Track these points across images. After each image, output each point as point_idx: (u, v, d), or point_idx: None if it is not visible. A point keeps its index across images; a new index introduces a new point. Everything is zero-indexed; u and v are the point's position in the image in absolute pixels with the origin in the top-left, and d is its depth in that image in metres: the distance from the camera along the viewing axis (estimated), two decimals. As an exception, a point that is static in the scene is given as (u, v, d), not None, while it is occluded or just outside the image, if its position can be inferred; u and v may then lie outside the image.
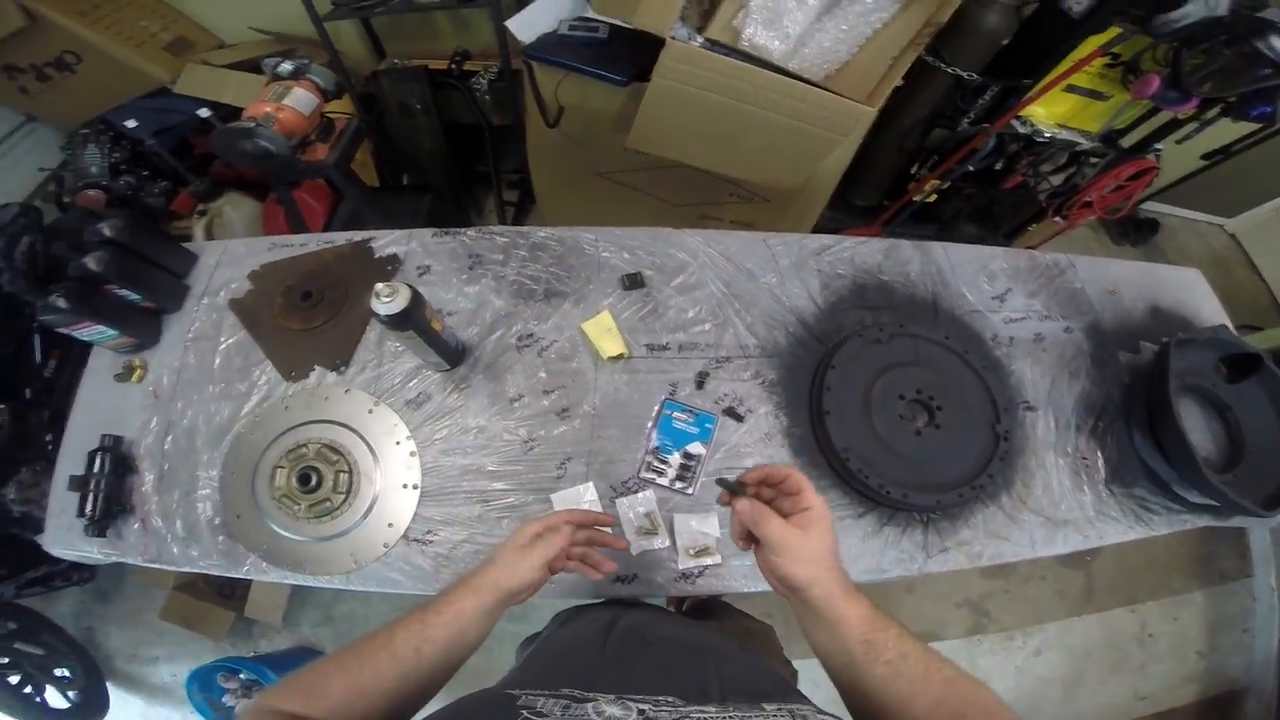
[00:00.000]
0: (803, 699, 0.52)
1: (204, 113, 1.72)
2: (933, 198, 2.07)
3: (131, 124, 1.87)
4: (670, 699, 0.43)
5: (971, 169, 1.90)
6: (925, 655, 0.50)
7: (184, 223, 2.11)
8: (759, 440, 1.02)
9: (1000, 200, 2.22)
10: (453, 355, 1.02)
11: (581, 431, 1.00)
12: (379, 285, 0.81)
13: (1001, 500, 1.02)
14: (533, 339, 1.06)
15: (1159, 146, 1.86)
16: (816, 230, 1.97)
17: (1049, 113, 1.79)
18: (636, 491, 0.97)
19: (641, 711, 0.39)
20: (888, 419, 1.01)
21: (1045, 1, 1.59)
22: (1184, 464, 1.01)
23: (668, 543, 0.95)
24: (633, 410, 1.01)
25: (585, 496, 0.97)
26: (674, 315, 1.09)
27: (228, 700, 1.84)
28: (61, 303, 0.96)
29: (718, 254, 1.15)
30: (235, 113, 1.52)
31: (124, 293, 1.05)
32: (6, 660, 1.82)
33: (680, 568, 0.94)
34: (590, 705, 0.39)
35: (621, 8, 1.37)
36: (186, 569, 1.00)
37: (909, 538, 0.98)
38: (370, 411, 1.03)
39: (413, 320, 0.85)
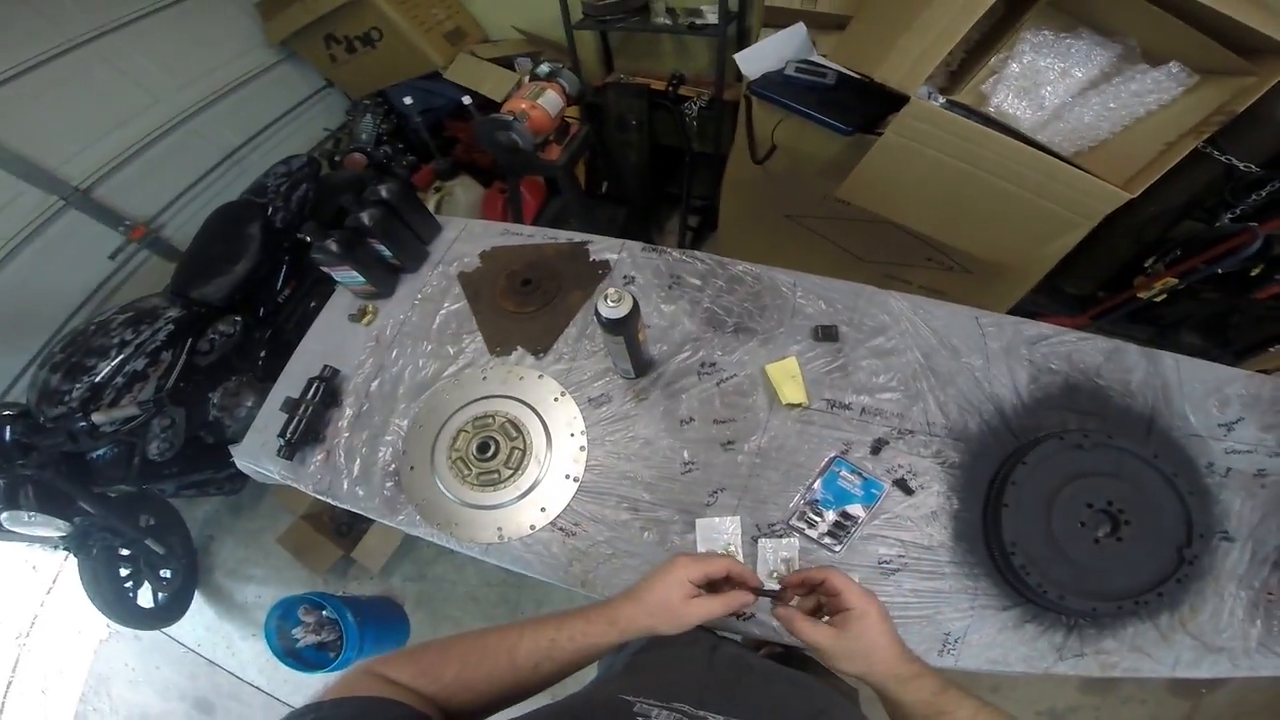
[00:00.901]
0: None
1: (467, 100, 1.95)
2: (1161, 297, 1.81)
3: (409, 100, 2.18)
4: None
5: (1219, 271, 1.64)
6: None
7: (419, 195, 2.43)
8: (923, 517, 0.97)
9: (1243, 311, 1.88)
10: (642, 366, 1.09)
11: (741, 467, 1.02)
12: (610, 289, 0.88)
13: (1160, 619, 0.93)
14: (715, 368, 1.10)
15: None
16: (1013, 312, 1.81)
17: (1336, 218, 1.49)
18: (782, 536, 0.97)
19: None
20: (1067, 523, 0.94)
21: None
22: None
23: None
24: (798, 459, 1.01)
25: (729, 529, 0.98)
26: (863, 377, 1.07)
27: (297, 633, 1.94)
28: (334, 246, 1.14)
29: (922, 323, 1.11)
30: (489, 102, 1.72)
31: (380, 248, 1.21)
32: (129, 552, 2.02)
33: None
34: None
35: (862, 59, 1.36)
36: (348, 506, 1.09)
37: (1047, 638, 0.92)
38: (556, 400, 1.11)
39: (627, 328, 0.92)
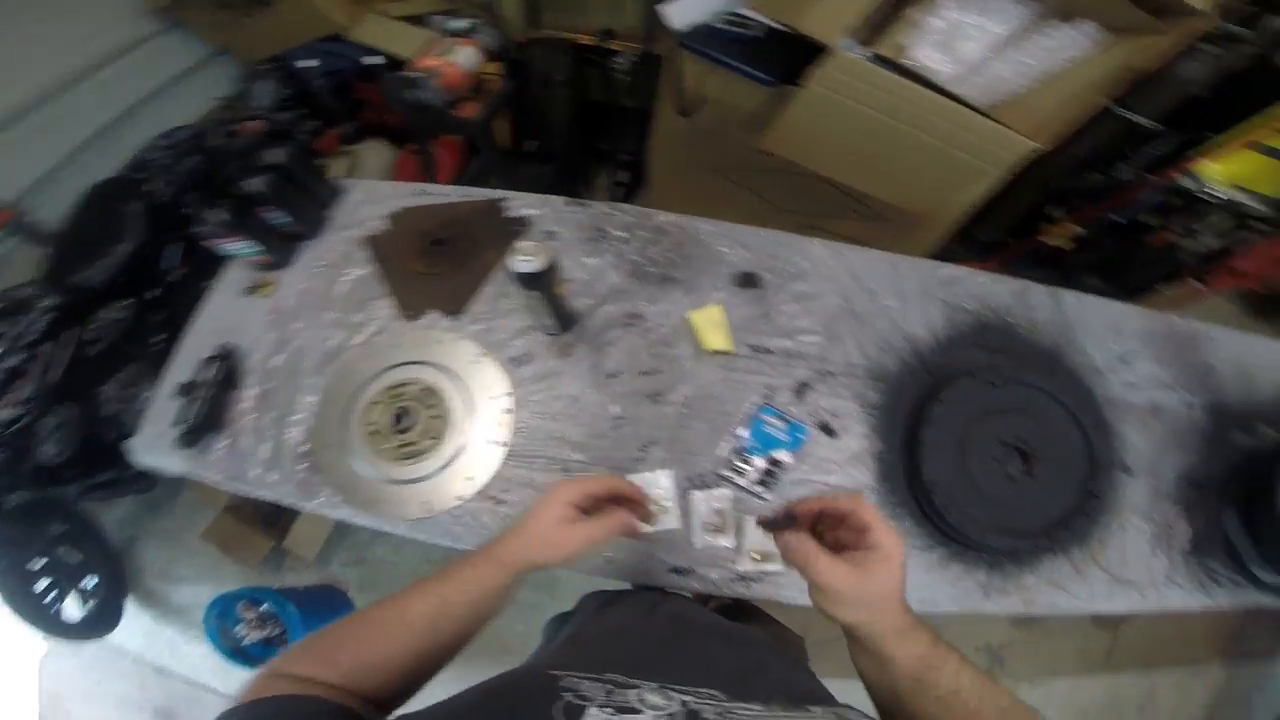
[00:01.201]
0: (847, 705, 0.50)
1: (369, 60, 1.82)
2: (1065, 244, 1.92)
3: (314, 63, 2.01)
4: (713, 691, 0.42)
5: (1118, 219, 1.74)
6: (980, 687, 0.49)
7: (324, 161, 2.26)
8: (848, 460, 0.99)
9: (1137, 256, 2.02)
10: (566, 321, 1.05)
11: (670, 418, 1.01)
12: (523, 243, 0.84)
13: (1073, 553, 0.98)
14: (640, 319, 1.08)
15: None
16: (931, 259, 1.87)
17: (1226, 171, 1.60)
18: (713, 487, 0.97)
19: (684, 703, 0.38)
20: (981, 460, 0.98)
21: (1261, 56, 1.42)
22: (1273, 548, 0.95)
23: (733, 543, 0.94)
24: (724, 407, 1.01)
25: (660, 482, 0.97)
26: (784, 321, 1.07)
27: (240, 630, 1.84)
28: (224, 216, 1.05)
29: (842, 268, 1.12)
30: (400, 64, 1.62)
31: (275, 215, 1.13)
32: (44, 562, 1.85)
33: (739, 569, 0.93)
34: (634, 692, 0.38)
35: (787, 10, 1.34)
36: (260, 494, 1.02)
37: (972, 577, 0.95)
38: (474, 362, 1.06)
39: (544, 282, 0.89)
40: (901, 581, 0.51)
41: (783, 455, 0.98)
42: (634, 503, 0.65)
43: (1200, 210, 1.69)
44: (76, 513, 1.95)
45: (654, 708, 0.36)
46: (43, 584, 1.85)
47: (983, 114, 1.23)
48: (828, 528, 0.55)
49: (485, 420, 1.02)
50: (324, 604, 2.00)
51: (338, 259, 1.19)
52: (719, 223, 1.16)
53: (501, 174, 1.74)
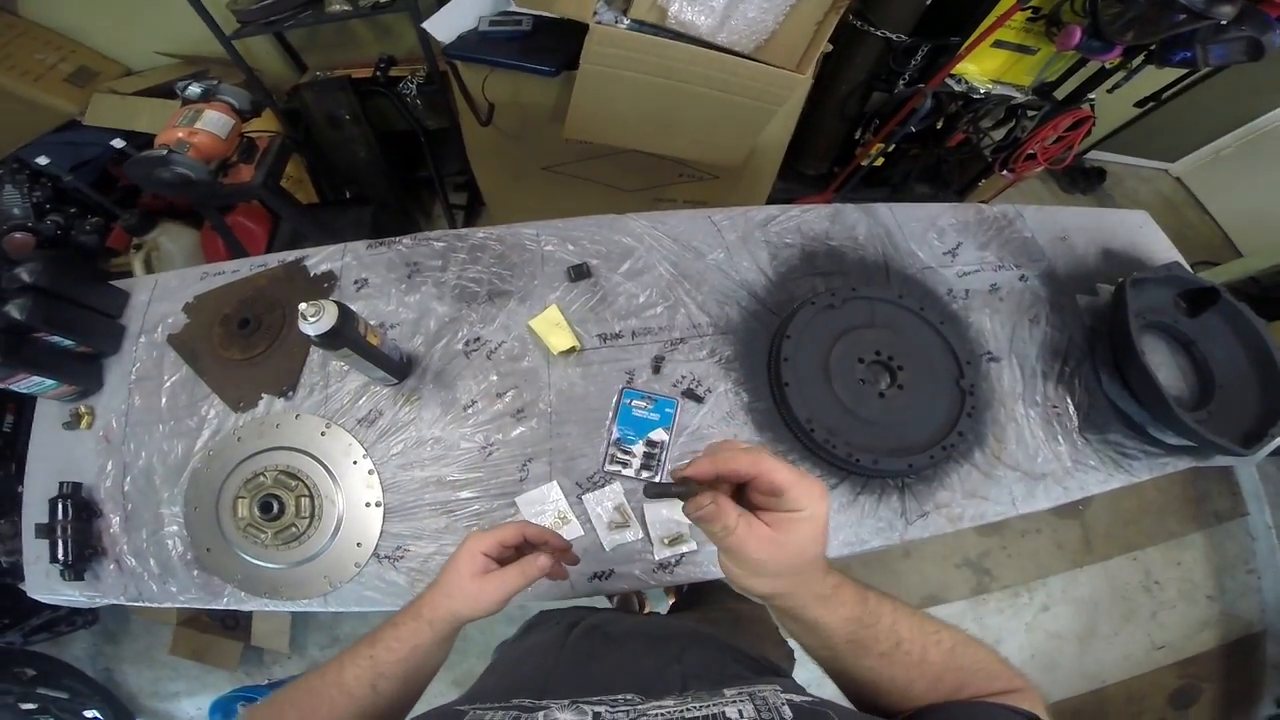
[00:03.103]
0: (779, 678, 0.49)
1: (118, 143, 1.63)
2: (880, 161, 2.08)
3: (43, 160, 1.76)
4: (628, 696, 0.41)
5: (913, 130, 1.91)
6: (921, 634, 0.46)
7: (122, 259, 1.99)
8: (721, 419, 1.00)
9: (947, 159, 2.24)
10: (398, 368, 0.98)
11: (540, 431, 0.97)
12: (302, 305, 0.77)
13: (975, 458, 1.01)
14: (480, 342, 1.03)
15: (1092, 96, 1.89)
16: (772, 202, 1.97)
17: (981, 69, 1.80)
18: (603, 485, 0.95)
19: (597, 715, 0.37)
20: (849, 385, 1.00)
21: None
22: (1154, 404, 1.00)
23: (641, 534, 0.93)
24: (591, 403, 0.99)
25: (550, 496, 0.94)
26: (624, 302, 1.06)
27: None
28: None
29: (663, 235, 1.12)
30: (152, 141, 1.45)
31: (55, 339, 1.00)
32: (35, 706, 1.78)
33: (657, 558, 0.92)
34: (541, 714, 0.37)
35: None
36: (168, 605, 0.97)
37: (886, 505, 0.97)
38: (323, 434, 1.00)
39: (345, 337, 0.82)
40: (823, 542, 0.44)
41: (658, 434, 0.97)
42: (552, 545, 0.62)
43: (977, 108, 1.90)
44: (36, 655, 1.85)
45: None
46: None
47: (748, 57, 1.29)
48: (734, 493, 0.46)
49: (353, 485, 0.97)
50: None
51: (149, 369, 1.07)
52: (539, 223, 1.13)
53: (315, 229, 1.59)
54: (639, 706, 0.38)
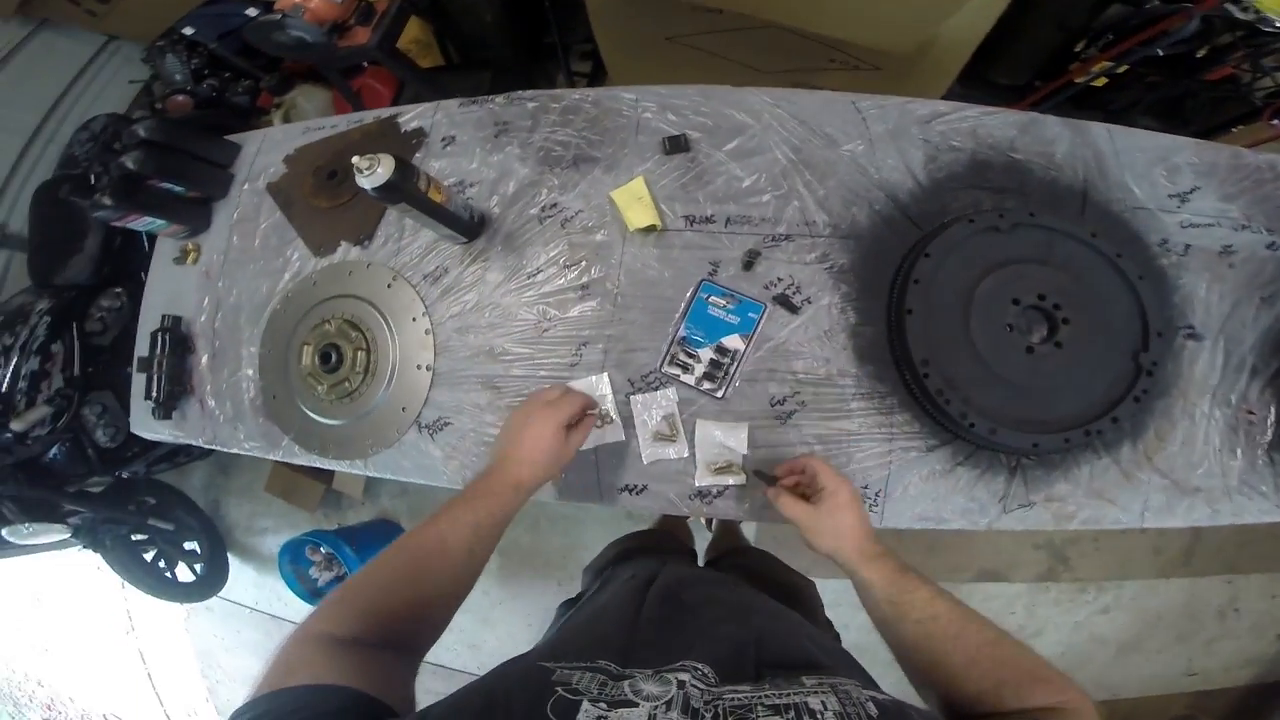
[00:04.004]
0: (850, 666, 0.51)
1: (251, 12, 1.70)
2: (1101, 81, 1.62)
3: (189, 31, 1.91)
4: (705, 668, 0.41)
5: (1159, 53, 1.47)
6: (961, 618, 0.53)
7: (269, 117, 2.16)
8: (816, 338, 0.83)
9: (1197, 93, 1.72)
10: (467, 227, 0.92)
11: (601, 313, 0.87)
12: (356, 159, 0.74)
13: (1121, 452, 0.80)
14: (556, 209, 0.92)
15: None
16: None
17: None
18: (656, 388, 0.83)
19: (681, 683, 0.38)
20: (991, 328, 0.78)
21: None
22: None
23: (686, 454, 0.82)
24: (662, 291, 0.86)
25: (599, 389, 0.85)
26: (724, 183, 0.89)
27: (313, 573, 2.01)
28: (106, 200, 1.01)
29: (788, 115, 0.91)
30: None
31: (166, 185, 1.10)
32: (145, 537, 2.08)
33: (697, 484, 0.81)
34: (627, 683, 0.37)
35: None
36: (234, 450, 1.04)
37: (986, 485, 0.79)
38: (389, 286, 0.99)
39: (403, 192, 0.77)
40: (853, 513, 0.63)
41: (733, 341, 0.83)
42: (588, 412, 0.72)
43: (1264, 42, 1.43)
44: (161, 485, 2.15)
45: (650, 698, 0.36)
46: (150, 553, 2.11)
47: None
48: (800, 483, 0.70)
49: (409, 345, 0.96)
50: (381, 540, 2.08)
51: (249, 212, 1.14)
52: (640, 88, 0.97)
53: (433, 91, 1.56)
54: (714, 689, 0.38)
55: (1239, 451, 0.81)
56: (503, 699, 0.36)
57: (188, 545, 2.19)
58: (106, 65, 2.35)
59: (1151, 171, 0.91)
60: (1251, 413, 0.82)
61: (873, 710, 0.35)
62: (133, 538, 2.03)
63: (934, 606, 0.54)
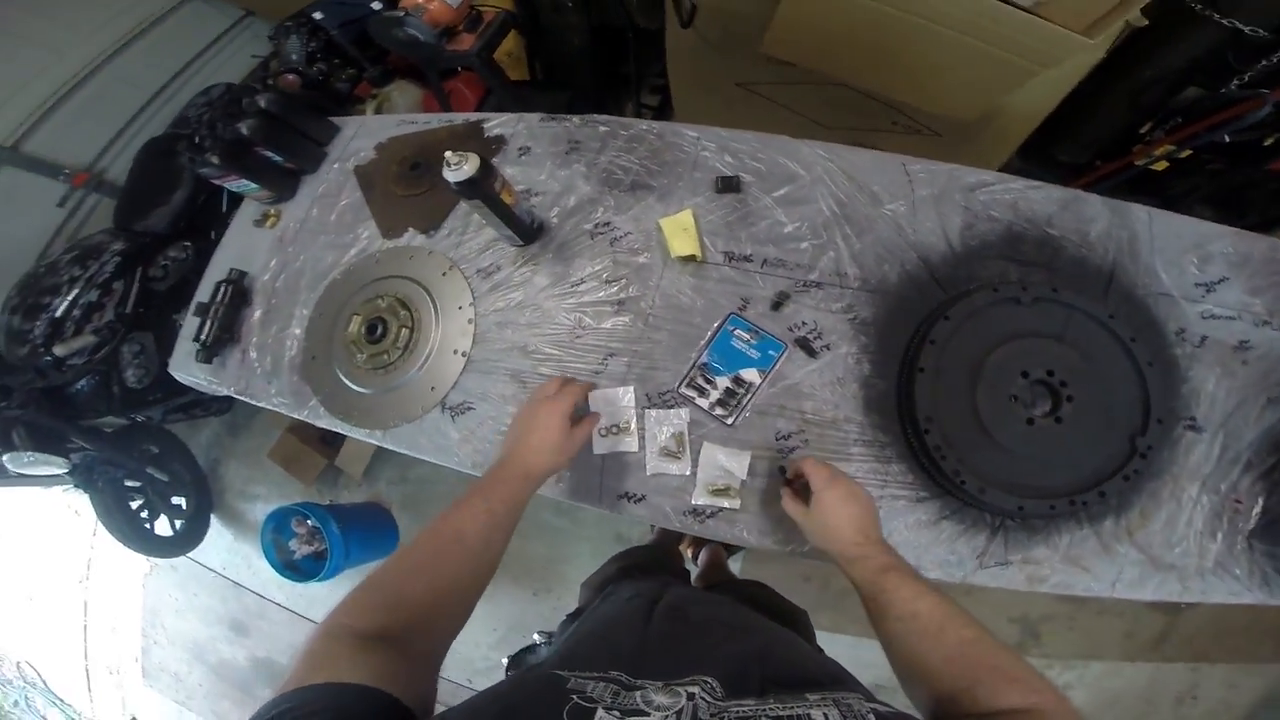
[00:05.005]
0: (851, 685, 0.51)
1: (376, 5, 1.84)
2: (1162, 165, 1.62)
3: (318, 15, 2.06)
4: (712, 681, 0.43)
5: (1226, 139, 1.45)
6: (943, 617, 0.53)
7: (364, 105, 2.33)
8: (829, 383, 0.87)
9: (1259, 184, 1.68)
10: (527, 231, 1.00)
11: (632, 329, 0.93)
12: (448, 153, 0.81)
13: (1104, 525, 0.82)
14: (609, 228, 1.00)
15: None
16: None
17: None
18: (671, 407, 0.89)
19: (690, 695, 0.39)
20: (995, 397, 0.81)
21: None
22: None
23: (688, 471, 0.87)
24: (691, 318, 0.92)
25: (623, 400, 0.91)
26: (767, 227, 0.95)
27: (292, 545, 2.01)
28: (214, 159, 1.13)
29: (838, 169, 0.97)
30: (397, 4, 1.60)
31: (268, 154, 1.20)
32: (137, 485, 2.10)
33: (694, 502, 0.86)
34: (639, 694, 0.39)
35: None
36: (263, 403, 1.10)
37: (967, 540, 0.82)
38: (444, 274, 1.06)
39: (480, 190, 0.85)
40: (838, 513, 0.64)
41: (750, 374, 0.88)
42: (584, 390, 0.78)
43: None
44: (168, 435, 2.20)
45: (661, 708, 0.37)
46: (137, 502, 2.12)
47: (1023, 9, 1.02)
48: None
49: (451, 330, 1.02)
50: (368, 522, 2.12)
51: (332, 189, 1.23)
52: (703, 127, 1.04)
53: (515, 103, 1.67)
54: (721, 702, 0.40)
55: (1219, 535, 0.82)
56: (521, 704, 0.37)
57: (175, 499, 2.20)
58: (237, 38, 2.56)
59: (1182, 258, 0.93)
60: (1239, 501, 0.83)
61: None
62: (125, 483, 2.05)
63: (915, 605, 0.54)
